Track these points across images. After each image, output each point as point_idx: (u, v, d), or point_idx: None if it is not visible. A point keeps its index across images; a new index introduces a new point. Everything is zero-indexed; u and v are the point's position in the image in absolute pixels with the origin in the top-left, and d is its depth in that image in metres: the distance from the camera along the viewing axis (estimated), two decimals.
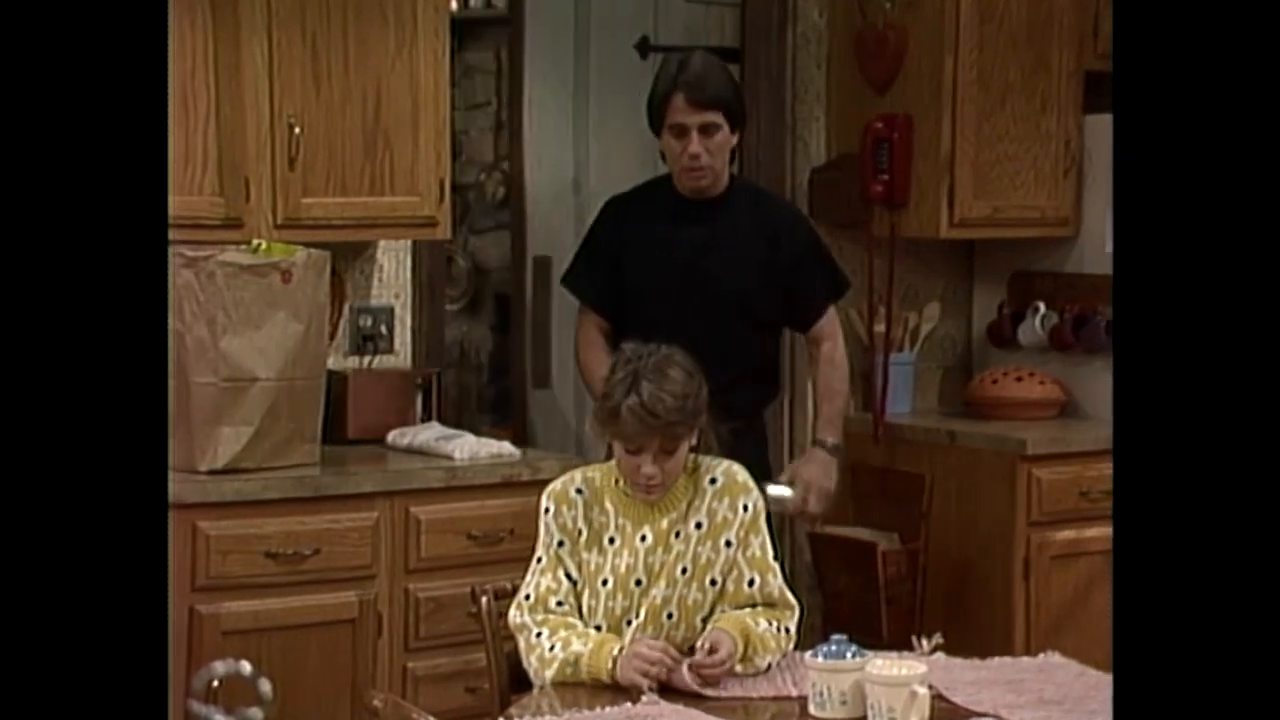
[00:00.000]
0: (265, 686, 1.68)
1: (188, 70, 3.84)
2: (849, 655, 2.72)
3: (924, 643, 2.94)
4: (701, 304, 3.90)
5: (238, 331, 3.76)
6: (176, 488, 3.67)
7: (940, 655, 2.94)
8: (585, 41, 5.04)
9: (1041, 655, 3.10)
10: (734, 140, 3.93)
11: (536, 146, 5.43)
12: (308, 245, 3.90)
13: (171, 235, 3.81)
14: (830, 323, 4.16)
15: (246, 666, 1.69)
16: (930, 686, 2.64)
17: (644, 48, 5.18)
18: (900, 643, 3.80)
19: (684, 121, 3.86)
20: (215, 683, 1.78)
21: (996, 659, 3.03)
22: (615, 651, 2.86)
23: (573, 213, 5.05)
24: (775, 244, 3.99)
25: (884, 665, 2.67)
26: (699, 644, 2.87)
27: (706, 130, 3.86)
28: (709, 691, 2.82)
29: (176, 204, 3.85)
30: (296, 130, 3.95)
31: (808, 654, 2.79)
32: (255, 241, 3.85)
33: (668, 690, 2.81)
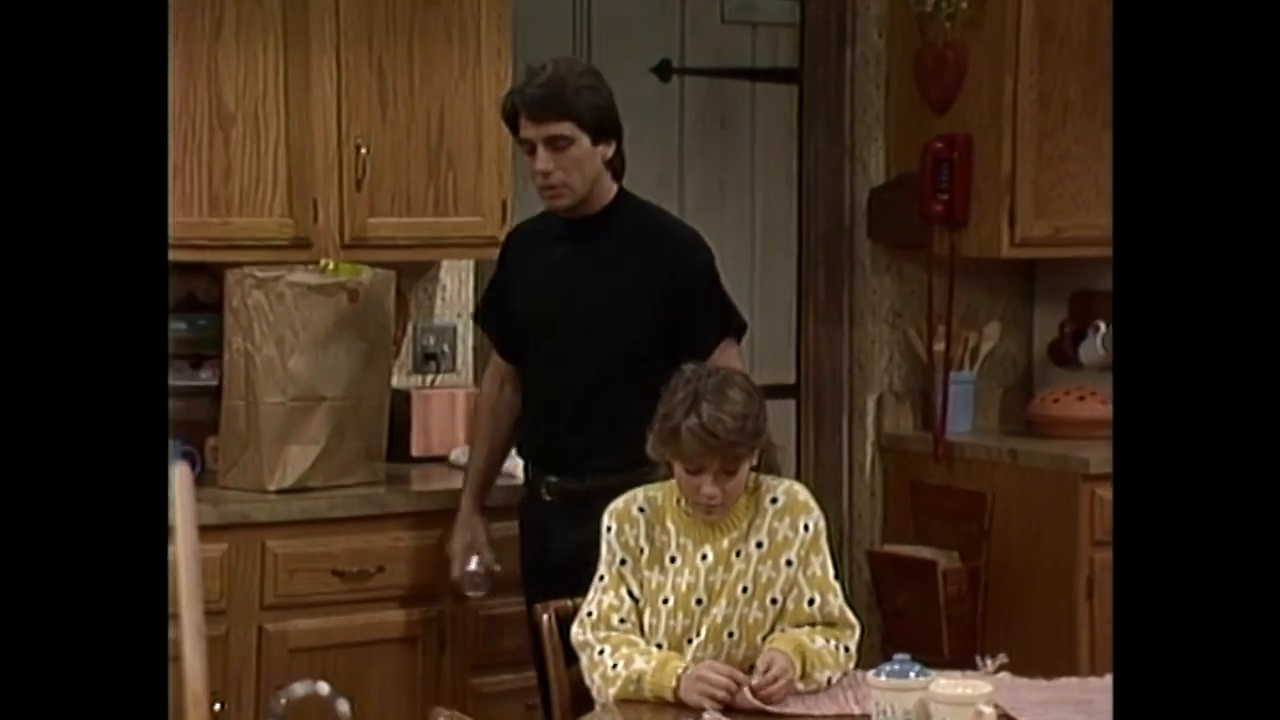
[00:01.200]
0: (343, 707, 1.70)
1: (259, 93, 3.90)
2: (913, 674, 2.70)
3: (988, 662, 2.92)
4: (582, 332, 3.56)
5: (305, 351, 3.80)
6: (245, 507, 3.73)
7: (1005, 675, 2.92)
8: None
9: (1109, 675, 3.08)
10: (601, 152, 3.55)
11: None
12: (373, 265, 3.95)
13: (241, 256, 3.89)
14: (723, 359, 3.55)
15: (325, 687, 1.71)
16: (996, 706, 2.62)
17: (665, 71, 5.04)
18: (962, 662, 3.80)
19: (529, 136, 3.52)
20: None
21: (1063, 679, 3.01)
22: (679, 670, 2.87)
23: None
24: (658, 267, 3.56)
25: (948, 684, 2.65)
26: (757, 666, 2.88)
27: (554, 144, 3.50)
28: (772, 708, 2.83)
29: (247, 225, 3.92)
30: (363, 151, 4.00)
31: (870, 673, 2.79)
32: (323, 262, 3.90)
33: (731, 709, 2.82)
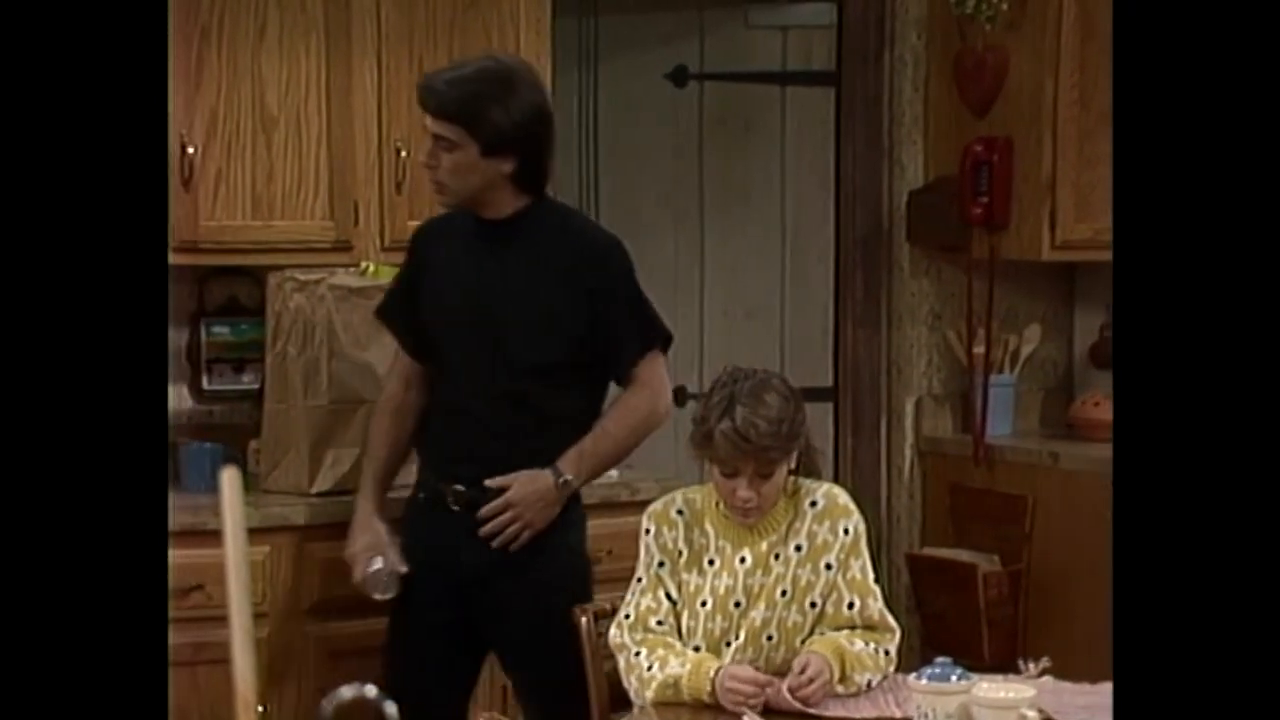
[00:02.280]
0: (391, 709, 1.71)
1: (301, 96, 3.92)
2: (954, 677, 2.69)
3: (1031, 665, 2.90)
4: (488, 341, 3.42)
5: (345, 354, 3.81)
6: (287, 510, 3.74)
7: (1048, 679, 2.90)
8: (593, 72, 4.96)
9: None
10: (495, 165, 3.35)
11: None
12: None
13: (283, 260, 3.91)
14: (644, 370, 3.47)
15: (372, 689, 1.72)
16: (1040, 711, 2.61)
17: (680, 76, 5.02)
18: (1002, 665, 3.80)
19: (427, 125, 3.38)
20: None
21: (1107, 684, 2.99)
22: (713, 672, 2.88)
23: None
24: (572, 275, 3.40)
25: (991, 688, 2.64)
26: (793, 668, 2.88)
27: (440, 144, 3.35)
28: (812, 711, 2.83)
29: (289, 228, 3.94)
30: (403, 154, 4.01)
31: (911, 676, 2.78)
32: (364, 264, 3.91)
33: (768, 711, 2.83)
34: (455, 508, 3.47)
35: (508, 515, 3.42)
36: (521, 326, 3.41)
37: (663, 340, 3.53)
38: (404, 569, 3.52)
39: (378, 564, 3.51)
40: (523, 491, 3.42)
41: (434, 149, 3.37)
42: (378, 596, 3.54)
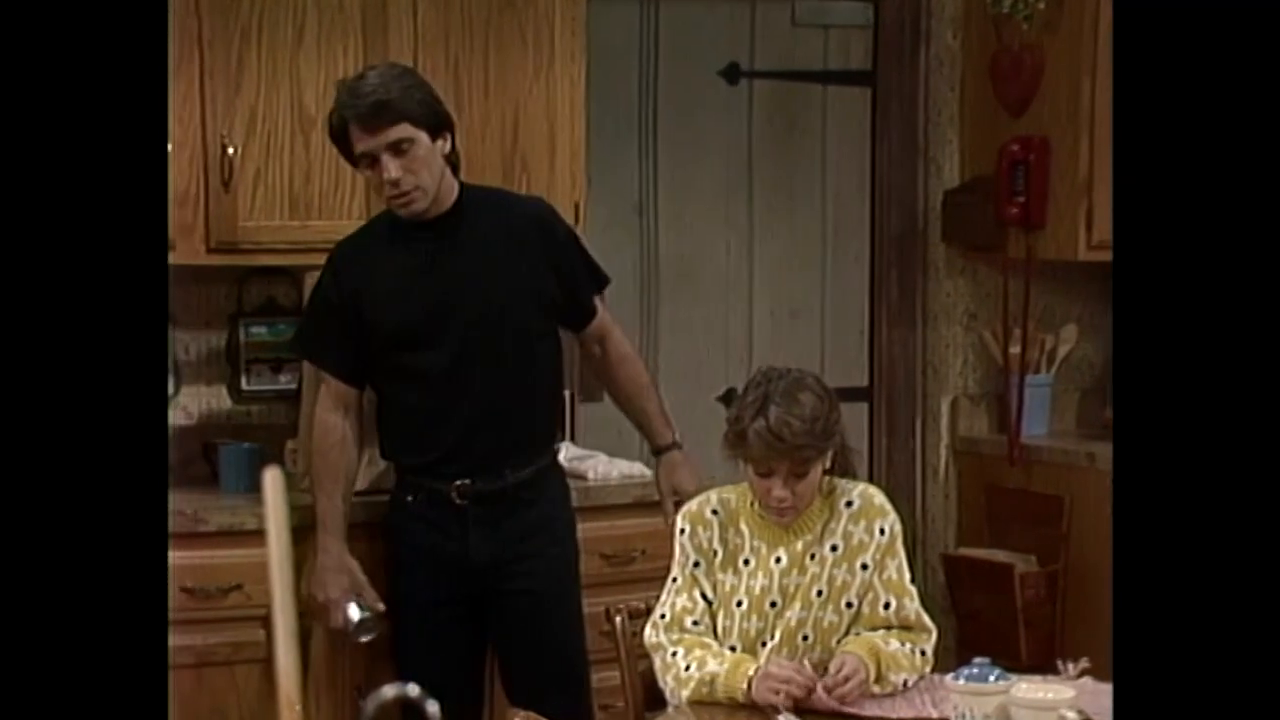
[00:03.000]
0: (433, 708, 1.71)
1: None
2: (992, 678, 2.69)
3: (1070, 666, 2.88)
4: (461, 331, 3.49)
5: None
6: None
7: (1088, 679, 2.87)
8: (653, 66, 4.96)
9: None
10: (441, 146, 3.48)
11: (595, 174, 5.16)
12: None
13: (320, 260, 3.88)
14: (605, 317, 3.72)
15: (414, 689, 1.72)
16: (1079, 712, 2.60)
17: (733, 74, 5.00)
18: (1040, 666, 3.78)
19: (368, 149, 3.42)
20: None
21: None
22: (751, 671, 2.87)
23: (636, 237, 4.99)
24: (525, 243, 3.55)
25: (1030, 689, 2.64)
26: (831, 668, 2.88)
27: (397, 149, 3.41)
28: (848, 710, 2.82)
29: (326, 228, 3.94)
30: None
31: (948, 676, 2.78)
32: None
33: (805, 711, 2.82)
34: (461, 502, 3.52)
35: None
36: (495, 308, 3.50)
37: (603, 282, 3.74)
38: (381, 607, 3.58)
39: (356, 612, 3.55)
40: (690, 480, 3.66)
41: (391, 160, 3.41)
42: (363, 640, 3.57)
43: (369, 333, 3.53)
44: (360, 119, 3.41)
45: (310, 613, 3.55)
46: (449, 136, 3.52)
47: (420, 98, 3.46)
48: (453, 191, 3.54)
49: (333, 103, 3.49)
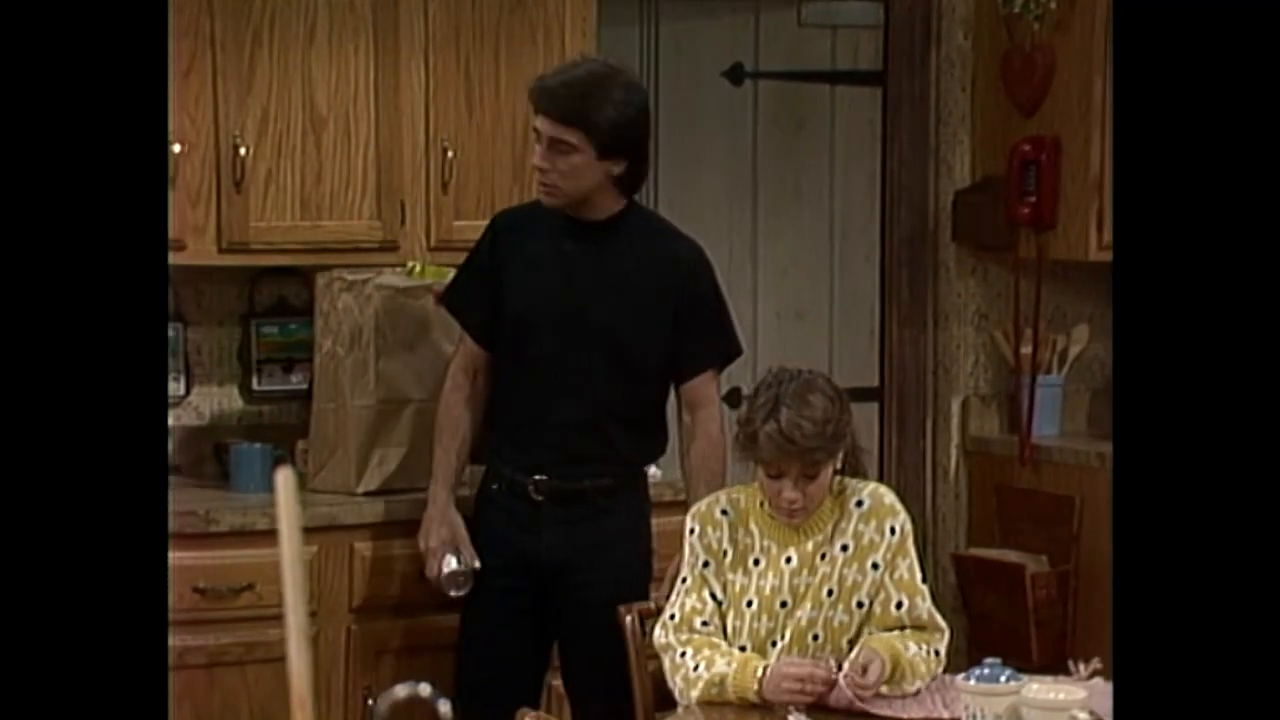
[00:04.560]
0: (445, 708, 1.71)
1: (350, 96, 3.94)
2: (1003, 678, 2.69)
3: (1082, 667, 2.87)
4: (574, 333, 3.49)
5: (393, 354, 3.83)
6: (334, 510, 3.75)
7: (1099, 680, 2.86)
8: (656, 67, 4.95)
9: None
10: (607, 167, 3.43)
11: None
12: (459, 267, 3.97)
13: (331, 260, 3.93)
14: (709, 387, 3.58)
15: (426, 688, 1.73)
16: (1091, 713, 2.60)
17: (737, 75, 4.98)
18: (1051, 667, 3.78)
19: (536, 127, 3.44)
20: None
21: None
22: (759, 671, 2.87)
23: None
24: (665, 282, 3.51)
25: (1041, 689, 2.64)
26: (850, 661, 2.88)
27: (556, 147, 3.40)
28: (859, 705, 2.82)
29: (336, 228, 3.95)
30: (450, 154, 4.02)
31: (959, 676, 2.78)
32: (410, 264, 3.92)
33: (815, 709, 2.82)
34: (538, 497, 3.52)
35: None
36: (617, 330, 3.48)
37: (730, 355, 3.65)
38: (477, 565, 3.57)
39: (453, 563, 3.56)
40: None
41: (548, 152, 3.42)
42: (453, 594, 3.57)
43: (501, 302, 3.55)
44: (541, 100, 3.43)
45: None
46: (626, 161, 3.45)
47: (611, 115, 3.40)
48: (611, 207, 3.51)
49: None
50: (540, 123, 3.43)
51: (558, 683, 3.91)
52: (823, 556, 3.00)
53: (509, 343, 3.57)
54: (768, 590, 2.99)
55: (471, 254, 3.68)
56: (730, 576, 3.02)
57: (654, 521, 3.72)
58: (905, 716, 2.85)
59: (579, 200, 3.48)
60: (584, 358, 3.49)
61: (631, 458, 3.59)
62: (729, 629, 3.01)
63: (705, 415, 3.57)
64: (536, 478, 3.52)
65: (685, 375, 3.56)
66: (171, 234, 3.67)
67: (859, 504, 3.03)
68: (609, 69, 3.53)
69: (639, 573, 3.56)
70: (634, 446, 3.58)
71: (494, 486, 3.61)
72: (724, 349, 3.62)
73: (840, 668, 2.87)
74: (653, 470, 4.10)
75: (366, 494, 3.82)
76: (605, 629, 3.44)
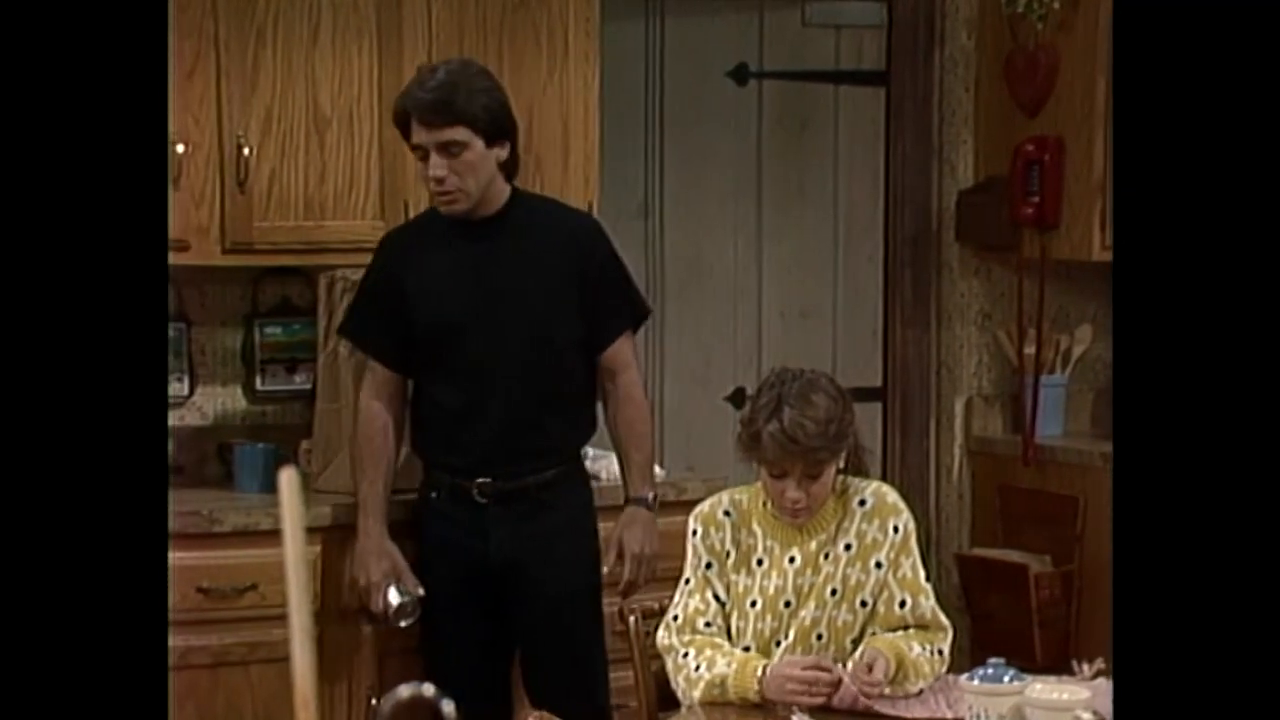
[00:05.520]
0: (448, 708, 1.71)
1: (353, 96, 3.95)
2: (1007, 679, 2.69)
3: (1085, 667, 2.86)
4: (497, 332, 3.54)
5: None
6: (339, 510, 3.74)
7: (1102, 680, 2.85)
8: (660, 67, 4.95)
9: None
10: (496, 154, 3.51)
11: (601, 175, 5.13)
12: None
13: (334, 260, 3.93)
14: (626, 350, 3.67)
15: (430, 688, 1.73)
16: (1095, 713, 2.59)
17: (742, 75, 4.97)
18: (1055, 667, 3.78)
19: (421, 143, 3.48)
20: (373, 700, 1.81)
21: None
22: (759, 672, 2.87)
23: (642, 238, 4.98)
24: (567, 256, 3.58)
25: (1045, 689, 2.64)
26: (854, 660, 2.88)
27: (447, 149, 3.45)
28: (862, 704, 2.82)
29: (340, 228, 3.96)
30: None
31: (963, 677, 2.78)
32: None
33: (818, 710, 2.82)
34: (482, 500, 3.55)
35: (638, 573, 3.59)
36: (530, 314, 3.53)
37: (639, 317, 3.75)
38: (421, 592, 3.59)
39: (397, 596, 3.57)
40: (641, 540, 3.62)
41: (439, 159, 3.46)
42: (402, 624, 3.59)
43: (409, 322, 3.57)
44: (419, 112, 3.46)
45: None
46: (508, 144, 3.54)
47: (485, 103, 3.49)
48: (502, 195, 3.58)
49: (400, 94, 3.55)
50: (421, 136, 3.46)
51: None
52: (826, 556, 3.00)
53: (428, 357, 3.59)
54: (771, 590, 2.99)
55: (364, 280, 3.69)
56: (733, 577, 3.02)
57: (659, 522, 3.74)
58: (909, 717, 2.84)
59: (479, 199, 3.52)
60: (507, 353, 3.52)
61: (567, 445, 3.63)
62: (733, 629, 3.01)
63: (626, 379, 3.65)
64: (479, 480, 3.54)
65: (602, 343, 3.63)
66: (175, 234, 3.67)
67: (862, 503, 3.03)
68: (461, 63, 3.64)
69: (588, 564, 3.61)
70: (568, 431, 3.63)
71: (433, 495, 3.63)
72: (633, 311, 3.71)
73: (843, 668, 2.87)
74: (655, 470, 4.10)
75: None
76: (560, 623, 3.52)
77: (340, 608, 3.73)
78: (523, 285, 3.54)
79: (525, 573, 3.55)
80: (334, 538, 3.73)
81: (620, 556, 3.61)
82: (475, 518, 3.56)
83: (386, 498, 3.64)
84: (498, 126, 3.50)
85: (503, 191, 3.58)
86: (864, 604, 2.99)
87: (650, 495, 3.67)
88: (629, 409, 3.66)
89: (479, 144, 3.47)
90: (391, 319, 3.59)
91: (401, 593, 3.57)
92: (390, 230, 3.77)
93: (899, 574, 3.00)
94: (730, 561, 3.03)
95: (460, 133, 3.45)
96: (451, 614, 3.59)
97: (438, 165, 3.46)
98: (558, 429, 3.59)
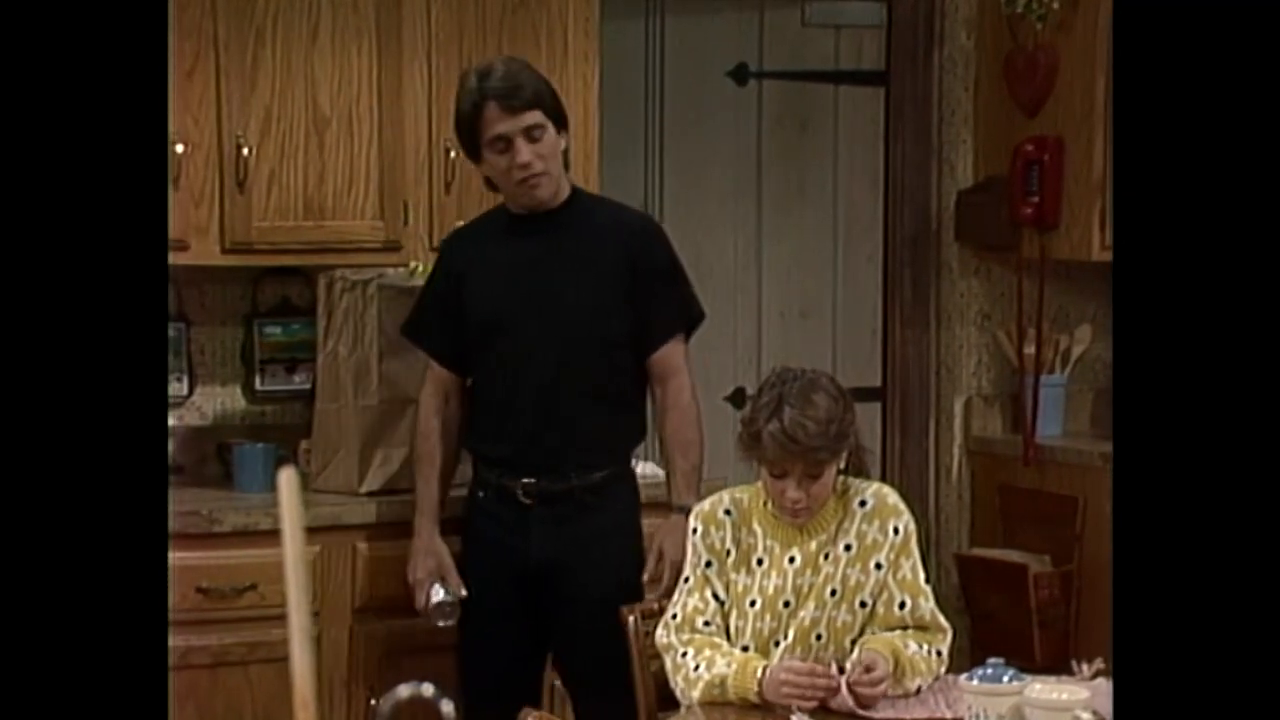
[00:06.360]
0: (448, 708, 1.71)
1: (353, 96, 3.95)
2: (1006, 678, 2.69)
3: (1085, 667, 2.86)
4: (547, 327, 3.51)
5: (395, 354, 3.83)
6: (337, 510, 3.76)
7: (1102, 680, 2.85)
8: (660, 67, 4.96)
9: None
10: (564, 143, 3.54)
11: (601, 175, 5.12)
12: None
13: (334, 260, 3.93)
14: (677, 355, 3.61)
15: (429, 688, 1.73)
16: (1094, 713, 2.59)
17: (742, 74, 4.98)
18: (1055, 667, 3.78)
19: (503, 131, 3.44)
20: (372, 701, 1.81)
21: None
22: (759, 672, 2.87)
23: None
24: (624, 254, 3.55)
25: (1044, 689, 2.64)
26: (851, 663, 2.88)
27: (531, 134, 3.45)
28: (862, 712, 2.82)
29: (339, 229, 3.96)
30: (452, 154, 4.02)
31: (962, 677, 2.78)
32: (413, 264, 3.93)
33: (817, 710, 2.82)
34: (526, 500, 3.53)
35: (675, 581, 3.27)
36: (579, 313, 3.51)
37: (693, 320, 3.68)
38: (464, 594, 3.59)
39: (440, 594, 3.58)
40: (681, 549, 3.30)
41: (525, 144, 3.45)
42: (440, 624, 3.59)
43: (466, 319, 3.58)
44: (501, 99, 3.43)
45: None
46: (566, 133, 3.56)
47: (549, 90, 3.52)
48: (566, 189, 3.59)
49: (464, 89, 3.50)
50: (504, 125, 3.44)
51: (559, 683, 3.92)
52: (826, 556, 3.00)
53: (478, 353, 3.59)
54: (771, 590, 2.99)
55: (427, 283, 3.70)
56: (733, 576, 3.02)
57: (659, 521, 3.72)
58: (908, 717, 2.84)
59: (559, 182, 3.53)
60: (553, 350, 3.50)
61: (616, 447, 3.61)
62: (732, 629, 3.01)
63: (676, 385, 3.60)
64: (525, 480, 3.53)
65: (652, 345, 3.59)
66: (175, 234, 3.68)
67: (862, 504, 3.03)
68: (507, 58, 3.67)
69: (631, 569, 3.57)
70: (616, 432, 3.60)
71: (480, 494, 3.62)
72: (687, 315, 3.66)
73: (842, 669, 2.87)
74: (654, 470, 4.11)
75: (369, 494, 3.82)
76: (599, 627, 3.45)
77: (340, 608, 3.73)
78: (573, 283, 3.53)
79: (564, 575, 3.52)
80: (333, 538, 3.73)
81: (660, 560, 3.55)
82: (519, 518, 3.54)
83: (441, 497, 3.64)
84: (561, 113, 3.53)
85: (564, 184, 3.58)
86: (863, 605, 2.99)
87: (690, 504, 3.53)
88: (676, 415, 3.60)
89: (551, 129, 3.48)
90: (450, 319, 3.60)
91: (445, 592, 3.58)
92: (455, 229, 3.78)
93: (899, 575, 3.00)
94: (730, 561, 3.03)
95: (538, 116, 3.45)
96: (490, 611, 3.58)
97: (525, 150, 3.44)
98: (604, 429, 3.56)
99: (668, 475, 3.65)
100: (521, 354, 3.52)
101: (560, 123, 3.51)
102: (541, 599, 3.56)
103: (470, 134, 3.50)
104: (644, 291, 3.55)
